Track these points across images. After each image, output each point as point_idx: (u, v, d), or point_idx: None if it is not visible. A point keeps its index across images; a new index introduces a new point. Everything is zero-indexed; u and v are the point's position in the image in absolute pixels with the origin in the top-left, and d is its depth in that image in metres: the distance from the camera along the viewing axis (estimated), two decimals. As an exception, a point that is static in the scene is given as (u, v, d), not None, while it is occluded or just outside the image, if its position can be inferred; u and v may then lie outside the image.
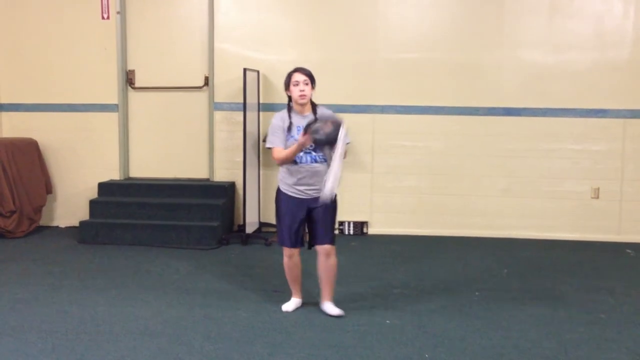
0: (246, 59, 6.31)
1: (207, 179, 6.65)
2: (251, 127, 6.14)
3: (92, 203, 6.30)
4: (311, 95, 3.93)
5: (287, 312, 4.03)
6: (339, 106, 5.90)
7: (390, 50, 6.34)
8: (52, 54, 6.66)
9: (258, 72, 6.33)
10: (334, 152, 3.65)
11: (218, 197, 6.29)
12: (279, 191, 4.03)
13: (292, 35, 6.45)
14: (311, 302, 4.16)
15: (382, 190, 6.47)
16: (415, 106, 6.38)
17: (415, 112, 6.36)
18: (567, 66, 6.25)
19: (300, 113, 3.92)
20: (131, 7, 6.64)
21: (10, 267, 5.17)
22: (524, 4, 6.24)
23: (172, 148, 6.73)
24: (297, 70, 3.93)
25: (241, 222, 6.22)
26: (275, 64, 6.39)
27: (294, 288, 4.12)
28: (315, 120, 3.75)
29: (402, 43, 6.34)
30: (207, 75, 6.57)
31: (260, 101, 6.43)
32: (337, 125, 3.63)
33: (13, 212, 6.19)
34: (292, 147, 3.80)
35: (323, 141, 3.65)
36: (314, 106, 3.97)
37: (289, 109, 3.96)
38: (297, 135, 3.82)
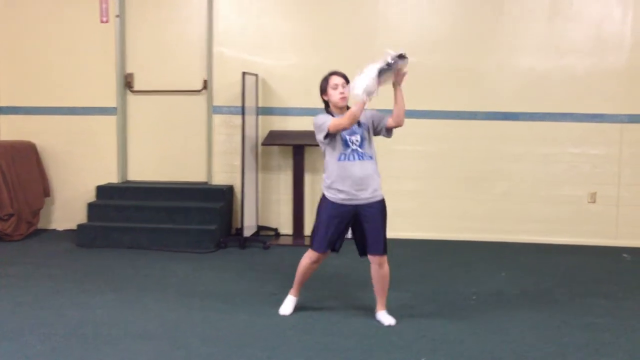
0: (245, 63, 6.32)
1: (206, 183, 6.65)
2: (250, 131, 6.15)
3: (90, 206, 6.30)
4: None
5: (285, 315, 4.03)
6: (338, 110, 5.90)
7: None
8: (51, 57, 6.67)
9: (257, 75, 6.34)
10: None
11: (216, 201, 6.29)
12: (323, 198, 3.90)
13: (291, 40, 6.46)
14: (309, 306, 4.17)
15: (380, 194, 6.47)
16: (415, 110, 6.35)
17: (415, 116, 6.34)
18: (565, 71, 6.27)
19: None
20: (130, 11, 6.65)
21: (8, 270, 5.16)
22: (523, 9, 6.27)
23: (171, 151, 6.73)
24: (334, 73, 3.87)
25: (239, 226, 6.22)
26: (274, 68, 6.41)
27: (297, 286, 4.10)
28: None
29: (401, 48, 6.33)
30: (205, 78, 6.57)
31: (259, 105, 6.44)
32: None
33: (11, 215, 6.18)
34: (353, 108, 3.68)
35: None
36: (348, 109, 3.87)
37: (328, 114, 3.87)
38: (342, 136, 3.76)
